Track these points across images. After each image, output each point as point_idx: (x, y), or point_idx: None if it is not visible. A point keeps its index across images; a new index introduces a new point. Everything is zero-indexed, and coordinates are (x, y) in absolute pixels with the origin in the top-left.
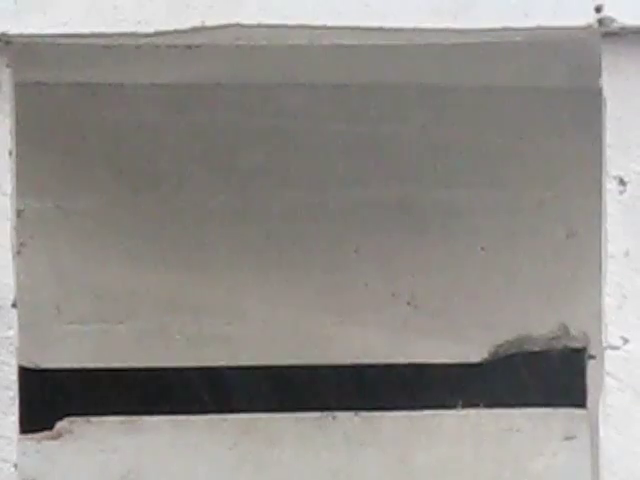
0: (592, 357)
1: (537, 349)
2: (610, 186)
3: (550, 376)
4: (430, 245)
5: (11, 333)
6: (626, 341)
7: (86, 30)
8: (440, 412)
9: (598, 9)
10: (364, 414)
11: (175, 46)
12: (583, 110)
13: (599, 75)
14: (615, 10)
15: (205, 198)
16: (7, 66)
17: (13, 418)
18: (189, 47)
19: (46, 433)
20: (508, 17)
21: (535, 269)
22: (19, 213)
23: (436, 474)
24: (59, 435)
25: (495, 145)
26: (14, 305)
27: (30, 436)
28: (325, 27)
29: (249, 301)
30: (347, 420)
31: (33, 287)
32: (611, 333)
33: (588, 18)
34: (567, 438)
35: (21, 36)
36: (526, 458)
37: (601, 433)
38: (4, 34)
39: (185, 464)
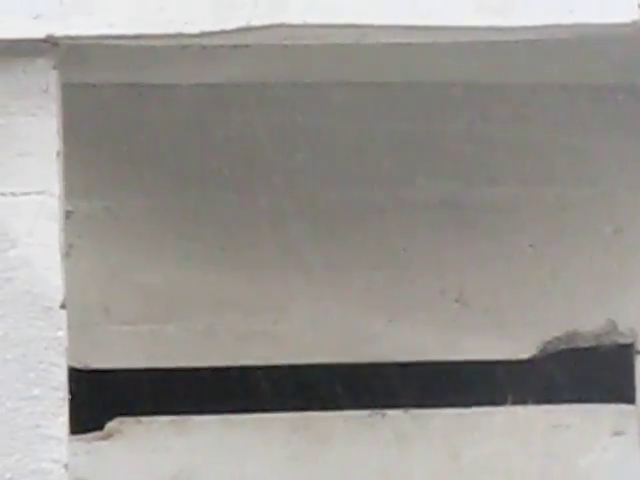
0: None
1: (585, 345)
2: None
3: (598, 372)
4: (478, 242)
5: (60, 334)
6: None
7: (132, 31)
8: (489, 409)
9: None
10: (413, 411)
11: (221, 46)
12: (629, 107)
13: None
14: None
15: (252, 197)
16: (54, 68)
17: (63, 419)
18: (235, 47)
19: (96, 434)
20: (553, 14)
21: (583, 265)
22: (68, 214)
23: (486, 470)
24: (109, 435)
25: (542, 142)
26: (63, 306)
27: (80, 437)
28: (371, 26)
29: (297, 300)
30: (397, 418)
31: (82, 288)
32: None
33: (633, 15)
34: (616, 433)
35: (67, 38)
36: (575, 454)
37: None
38: (50, 36)
39: (236, 462)
